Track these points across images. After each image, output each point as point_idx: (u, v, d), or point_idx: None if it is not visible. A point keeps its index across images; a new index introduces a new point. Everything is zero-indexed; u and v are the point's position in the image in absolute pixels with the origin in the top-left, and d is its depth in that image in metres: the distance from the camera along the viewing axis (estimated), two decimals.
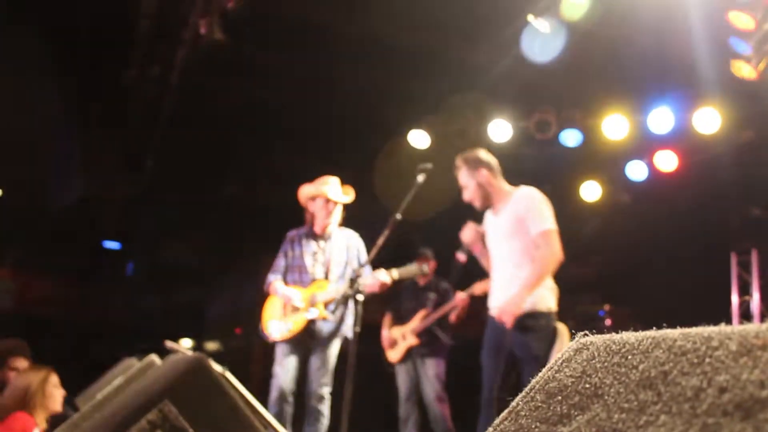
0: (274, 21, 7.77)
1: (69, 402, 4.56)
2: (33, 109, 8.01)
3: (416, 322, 6.28)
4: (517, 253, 3.97)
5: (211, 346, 13.08)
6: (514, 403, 0.76)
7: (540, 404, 0.73)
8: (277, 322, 4.76)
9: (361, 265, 4.71)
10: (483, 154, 4.31)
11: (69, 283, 15.07)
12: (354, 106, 9.64)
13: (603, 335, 0.77)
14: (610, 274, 8.38)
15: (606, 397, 0.66)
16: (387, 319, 6.60)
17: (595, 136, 7.86)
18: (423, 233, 8.46)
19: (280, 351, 4.74)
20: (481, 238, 4.25)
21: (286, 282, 4.90)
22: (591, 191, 8.83)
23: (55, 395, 3.96)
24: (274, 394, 4.62)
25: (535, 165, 8.71)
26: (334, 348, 4.73)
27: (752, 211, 7.40)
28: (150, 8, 6.80)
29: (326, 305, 4.70)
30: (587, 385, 0.70)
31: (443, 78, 8.31)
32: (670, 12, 5.87)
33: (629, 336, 0.74)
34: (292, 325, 4.69)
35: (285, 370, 4.65)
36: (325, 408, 4.61)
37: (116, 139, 9.40)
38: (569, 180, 9.02)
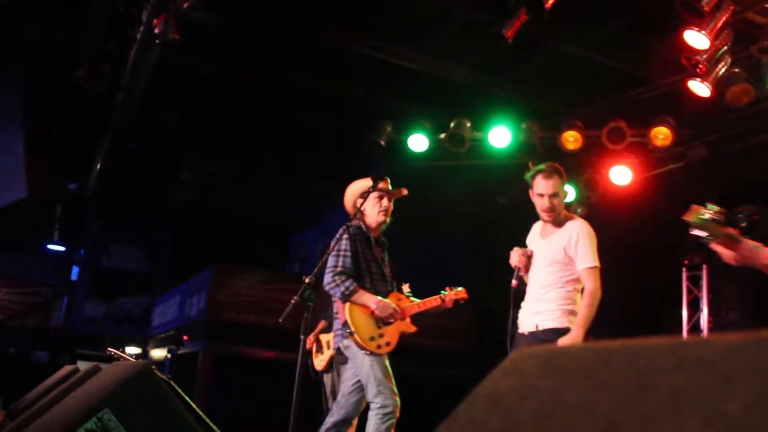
0: (232, 25, 7.76)
1: (5, 409, 4.42)
2: None
3: None
4: (554, 281, 4.06)
5: (157, 354, 12.88)
6: (457, 409, 0.76)
7: (481, 410, 0.74)
8: (374, 335, 4.25)
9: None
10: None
11: (9, 285, 14.70)
12: (309, 112, 9.64)
13: (544, 346, 0.78)
14: None
15: (546, 401, 0.67)
16: (320, 326, 6.54)
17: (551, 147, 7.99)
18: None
19: (383, 364, 4.20)
20: (529, 260, 4.26)
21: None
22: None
23: None
24: (392, 407, 4.11)
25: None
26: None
27: None
28: (101, 5, 6.71)
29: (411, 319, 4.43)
30: (526, 392, 0.71)
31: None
32: None
33: (570, 348, 0.75)
34: (390, 337, 4.28)
35: (392, 384, 4.21)
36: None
37: (63, 139, 9.22)
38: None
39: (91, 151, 10.49)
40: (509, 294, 4.17)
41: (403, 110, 8.56)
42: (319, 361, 6.35)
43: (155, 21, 6.06)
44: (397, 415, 4.13)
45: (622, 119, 7.33)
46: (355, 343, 4.21)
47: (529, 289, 4.19)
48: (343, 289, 4.23)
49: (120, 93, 8.19)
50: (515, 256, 4.23)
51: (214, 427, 2.84)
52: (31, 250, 15.71)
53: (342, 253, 4.29)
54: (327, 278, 4.29)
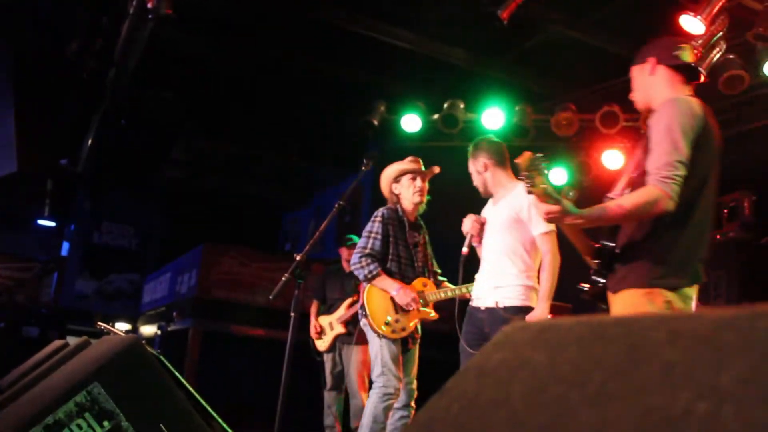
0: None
1: None
2: None
3: (342, 310, 6.28)
4: (509, 246, 3.93)
5: (147, 330, 12.89)
6: (447, 383, 0.76)
7: (471, 383, 0.74)
8: (390, 319, 4.28)
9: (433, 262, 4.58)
10: (486, 142, 4.22)
11: (0, 260, 14.68)
12: (302, 92, 9.60)
13: (537, 321, 0.78)
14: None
15: (539, 374, 0.67)
16: (314, 308, 6.56)
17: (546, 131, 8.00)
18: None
19: (393, 349, 4.23)
20: (482, 228, 4.13)
21: (389, 272, 4.37)
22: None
23: None
24: (399, 403, 4.23)
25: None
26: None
27: None
28: None
29: (435, 306, 4.40)
30: (518, 365, 0.71)
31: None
32: None
33: (563, 322, 0.75)
34: (406, 323, 4.30)
35: (397, 369, 4.23)
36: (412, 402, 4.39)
37: (55, 115, 9.16)
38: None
39: (83, 127, 10.43)
40: (458, 262, 4.09)
41: (396, 91, 8.53)
42: (322, 343, 6.38)
43: None
44: (394, 400, 4.17)
45: (616, 104, 7.32)
46: (369, 326, 4.27)
47: (484, 258, 4.04)
48: (366, 272, 4.30)
49: (112, 69, 8.13)
50: (468, 223, 4.12)
51: (203, 402, 2.85)
52: (21, 226, 15.67)
53: (373, 235, 4.36)
54: (354, 258, 4.38)
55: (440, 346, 10.01)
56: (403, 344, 4.37)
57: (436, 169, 4.64)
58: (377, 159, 4.38)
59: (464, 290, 4.26)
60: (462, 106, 8.05)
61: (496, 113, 7.92)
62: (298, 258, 3.75)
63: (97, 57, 8.05)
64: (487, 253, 4.04)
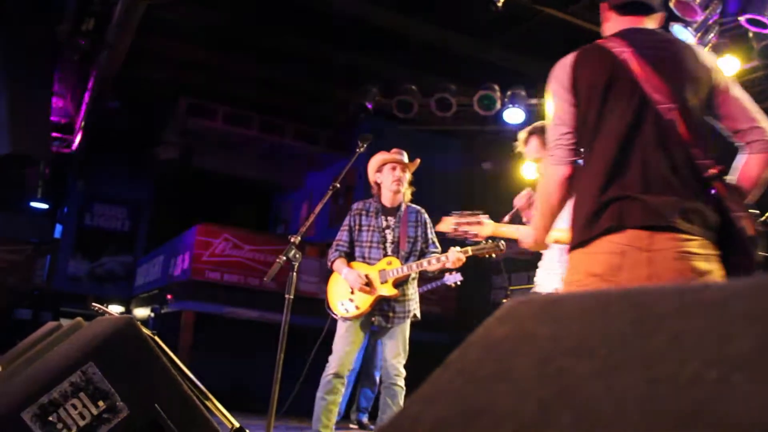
0: None
1: None
2: None
3: None
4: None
5: (141, 313, 12.88)
6: (448, 358, 0.76)
7: (473, 357, 0.74)
8: (345, 300, 4.52)
9: (427, 242, 4.65)
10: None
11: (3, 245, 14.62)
12: (299, 76, 9.56)
13: (541, 295, 0.77)
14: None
15: (543, 347, 0.67)
16: None
17: (539, 115, 7.98)
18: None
19: (343, 328, 4.48)
20: (530, 203, 4.11)
21: (353, 258, 4.62)
22: (530, 170, 8.95)
23: None
24: (330, 371, 4.38)
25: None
26: (406, 325, 4.52)
27: None
28: None
29: (396, 283, 4.48)
30: (522, 339, 0.70)
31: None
32: None
33: (567, 295, 0.74)
34: (360, 303, 4.47)
35: (346, 348, 4.43)
36: (401, 381, 4.43)
37: (47, 96, 9.09)
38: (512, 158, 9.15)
39: (75, 109, 10.37)
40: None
41: (390, 74, 8.51)
42: None
43: None
44: (331, 378, 4.36)
45: None
46: (326, 307, 4.60)
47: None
48: (328, 260, 4.72)
49: (104, 50, 8.07)
50: (520, 199, 4.09)
51: (198, 382, 2.84)
52: (13, 208, 15.59)
53: (342, 228, 4.71)
54: None
55: (431, 331, 10.06)
56: (368, 324, 4.53)
57: (416, 162, 4.77)
58: (371, 141, 4.40)
59: (426, 264, 4.44)
60: (455, 89, 8.04)
61: (490, 97, 7.91)
62: (292, 240, 3.77)
63: (89, 38, 7.99)
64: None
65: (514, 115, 7.99)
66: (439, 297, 9.44)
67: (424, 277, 7.15)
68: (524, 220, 4.15)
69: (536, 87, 8.02)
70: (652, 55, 2.41)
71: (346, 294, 4.56)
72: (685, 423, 0.48)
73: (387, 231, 4.64)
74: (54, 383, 2.39)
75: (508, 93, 7.87)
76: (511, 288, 9.43)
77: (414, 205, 4.78)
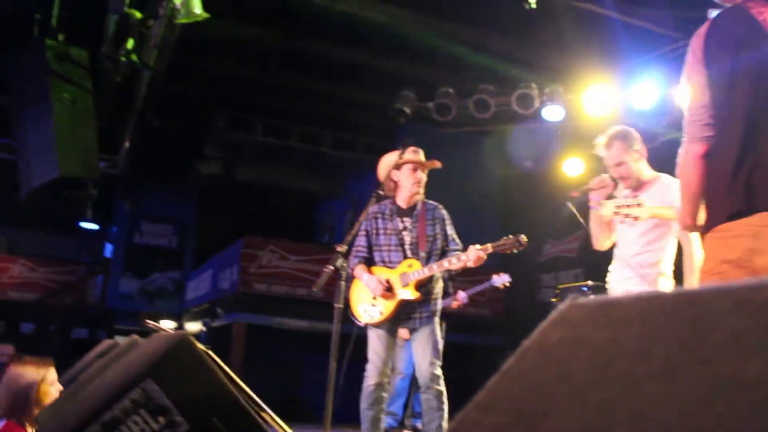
0: None
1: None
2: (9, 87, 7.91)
3: None
4: (646, 239, 3.91)
5: (192, 327, 13.06)
6: (506, 364, 0.76)
7: (531, 363, 0.74)
8: (368, 306, 4.49)
9: (447, 240, 4.57)
10: (634, 132, 4.06)
11: (46, 264, 14.97)
12: (335, 85, 9.62)
13: (593, 297, 0.78)
14: (592, 250, 8.47)
15: (601, 350, 0.67)
16: None
17: (577, 111, 7.91)
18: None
19: (374, 336, 4.45)
20: (606, 194, 4.09)
21: (373, 263, 4.59)
22: (574, 167, 8.89)
23: (51, 393, 3.79)
24: (369, 381, 4.37)
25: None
26: (436, 325, 4.43)
27: None
28: None
29: (419, 285, 4.42)
30: (579, 342, 0.71)
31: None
32: None
33: (621, 298, 0.75)
34: (384, 308, 4.43)
35: (381, 356, 4.40)
36: (442, 385, 4.33)
37: (92, 119, 9.30)
38: (553, 155, 9.10)
39: (119, 130, 10.57)
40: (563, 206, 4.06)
41: (427, 78, 8.51)
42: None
43: None
44: (371, 384, 4.36)
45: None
46: (350, 314, 4.52)
47: (624, 245, 4.03)
48: (348, 266, 4.50)
49: (145, 70, 8.22)
50: (599, 181, 4.04)
51: (253, 394, 2.88)
52: (65, 230, 15.96)
53: (360, 233, 4.60)
54: None
55: (479, 333, 10.00)
56: (396, 327, 4.53)
57: (437, 164, 4.68)
58: (411, 146, 4.41)
59: (446, 264, 4.36)
60: (492, 89, 8.01)
61: (529, 95, 7.87)
62: (338, 249, 3.78)
63: (129, 59, 8.14)
64: (625, 241, 4.02)
65: (552, 112, 7.93)
66: (487, 299, 9.40)
67: (471, 280, 7.12)
68: (590, 203, 4.11)
69: (574, 83, 7.96)
70: None
71: (368, 300, 4.51)
72: (749, 424, 0.49)
73: (404, 233, 4.57)
74: (115, 400, 2.45)
75: (546, 90, 7.82)
76: (560, 286, 9.34)
77: (431, 202, 4.70)
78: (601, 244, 4.22)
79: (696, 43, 2.36)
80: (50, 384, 3.72)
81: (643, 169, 4.03)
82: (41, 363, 3.75)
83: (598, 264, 4.00)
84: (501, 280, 7.16)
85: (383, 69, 8.91)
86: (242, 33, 8.51)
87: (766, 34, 2.16)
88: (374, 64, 8.84)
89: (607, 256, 4.27)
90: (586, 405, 0.65)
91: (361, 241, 4.61)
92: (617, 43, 7.26)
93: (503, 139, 9.05)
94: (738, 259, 2.10)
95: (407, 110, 8.09)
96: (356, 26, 7.96)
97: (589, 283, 7.06)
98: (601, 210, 3.62)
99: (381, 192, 4.16)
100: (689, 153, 2.36)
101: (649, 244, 3.94)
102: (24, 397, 3.61)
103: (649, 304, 0.67)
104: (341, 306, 3.75)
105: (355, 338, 4.38)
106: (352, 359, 4.28)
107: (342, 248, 3.78)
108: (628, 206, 3.37)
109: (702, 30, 2.37)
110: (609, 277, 4.19)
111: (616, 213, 3.40)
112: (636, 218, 3.36)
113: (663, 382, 0.59)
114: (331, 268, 3.72)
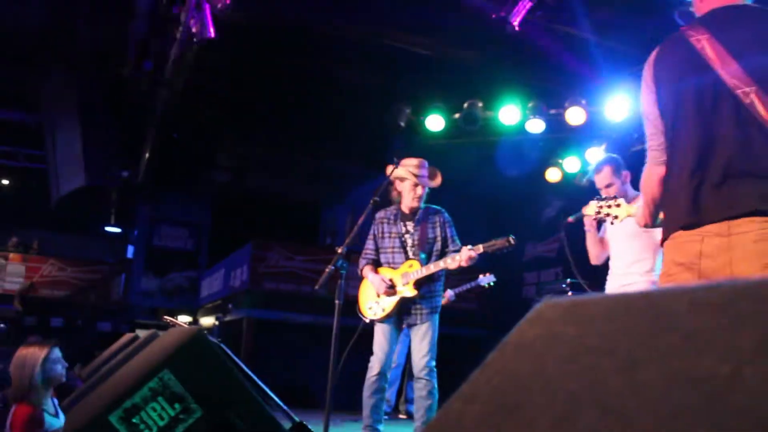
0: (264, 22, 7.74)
1: (71, 371, 4.48)
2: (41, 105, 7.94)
3: None
4: (637, 250, 4.06)
5: (206, 321, 13.05)
6: (487, 358, 0.77)
7: (511, 357, 0.75)
8: (372, 303, 4.57)
9: (447, 242, 4.60)
10: (620, 159, 4.33)
11: (74, 264, 14.99)
12: (333, 98, 9.63)
13: (566, 297, 0.78)
14: (570, 250, 8.49)
15: (570, 346, 0.68)
16: None
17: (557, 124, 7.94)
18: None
19: (379, 330, 4.51)
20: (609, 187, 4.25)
21: (380, 264, 4.66)
22: (554, 175, 8.93)
23: (57, 370, 3.81)
24: (373, 372, 4.39)
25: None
26: (433, 322, 4.46)
27: None
28: (144, 9, 6.73)
29: (417, 283, 4.45)
30: (552, 339, 0.71)
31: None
32: None
33: (591, 297, 0.75)
34: (386, 305, 4.49)
35: (384, 349, 4.44)
36: (433, 378, 4.33)
37: (115, 132, 9.31)
38: (535, 164, 9.13)
39: (139, 142, 10.58)
40: (563, 225, 4.13)
41: (420, 94, 8.52)
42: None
43: (192, 21, 6.07)
44: (372, 375, 4.38)
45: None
46: (358, 311, 4.63)
47: (617, 257, 4.20)
48: (358, 267, 4.75)
49: (163, 88, 8.23)
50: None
51: (263, 385, 2.88)
52: (90, 233, 15.99)
53: (369, 237, 4.76)
54: None
55: (473, 324, 10.00)
56: (400, 322, 4.55)
57: (438, 181, 4.75)
58: (404, 156, 4.44)
59: (442, 264, 4.38)
60: (480, 104, 8.02)
61: (512, 110, 7.89)
62: (339, 251, 3.80)
63: (148, 78, 8.16)
64: (617, 254, 4.19)
65: (535, 125, 7.95)
66: (476, 295, 9.42)
67: (461, 278, 7.13)
68: (585, 227, 4.28)
69: (556, 99, 7.98)
70: (732, 38, 2.19)
71: (373, 297, 4.58)
72: (699, 416, 0.49)
73: (407, 236, 4.62)
74: (135, 389, 2.45)
75: (530, 105, 7.83)
76: (541, 283, 9.34)
77: (434, 206, 4.73)
78: (597, 260, 4.41)
79: (646, 71, 2.39)
80: (54, 362, 3.73)
81: (628, 189, 4.26)
82: (43, 344, 3.78)
83: (576, 263, 4.04)
84: (486, 279, 7.17)
85: (381, 86, 8.91)
86: (251, 56, 8.51)
87: (705, 62, 2.18)
88: (373, 82, 8.85)
89: (584, 257, 4.34)
90: (558, 397, 0.65)
91: (369, 244, 4.72)
92: (592, 62, 7.29)
93: (490, 149, 9.05)
94: (688, 261, 2.15)
95: (401, 123, 8.10)
96: (355, 47, 7.97)
97: (568, 281, 7.08)
98: (586, 210, 3.68)
99: (377, 199, 4.17)
100: (651, 175, 2.42)
101: (640, 253, 4.08)
102: (29, 377, 3.63)
103: (613, 304, 0.68)
104: (341, 302, 3.76)
105: (359, 332, 4.40)
106: (354, 351, 4.29)
107: (341, 250, 3.78)
108: (608, 206, 3.43)
109: (651, 58, 2.39)
110: (607, 287, 4.31)
111: (598, 212, 3.45)
112: (616, 217, 3.41)
113: (625, 375, 0.60)
114: (332, 267, 3.73)
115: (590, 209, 3.57)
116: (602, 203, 3.45)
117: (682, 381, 0.53)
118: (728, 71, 2.13)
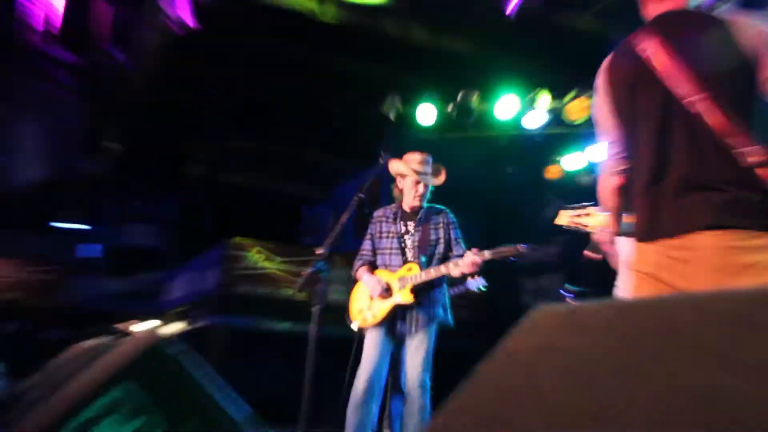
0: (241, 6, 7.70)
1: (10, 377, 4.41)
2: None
3: None
4: None
5: (174, 327, 12.98)
6: (477, 369, 0.75)
7: (500, 369, 0.73)
8: (363, 307, 4.44)
9: (450, 245, 4.52)
10: None
11: (25, 263, 14.85)
12: (320, 89, 9.60)
13: (563, 304, 0.77)
14: (571, 255, 8.52)
15: (568, 357, 0.66)
16: None
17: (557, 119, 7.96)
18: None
19: (368, 340, 4.34)
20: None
21: (376, 266, 4.56)
22: (554, 172, 8.96)
23: None
24: (359, 386, 4.19)
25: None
26: (432, 333, 4.30)
27: None
28: None
29: (415, 289, 4.33)
30: (547, 349, 0.70)
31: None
32: None
33: (590, 305, 0.74)
34: (377, 311, 4.37)
35: (374, 360, 4.24)
36: (426, 397, 4.15)
37: (77, 120, 9.23)
38: (534, 161, 9.14)
39: (104, 132, 10.51)
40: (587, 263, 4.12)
41: (411, 84, 8.52)
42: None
43: (169, 7, 6.03)
44: (359, 388, 4.20)
45: None
46: (347, 317, 4.57)
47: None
48: (353, 270, 4.67)
49: (132, 73, 8.18)
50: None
51: (228, 392, 2.86)
52: (46, 229, 15.82)
53: (365, 236, 4.70)
54: None
55: (460, 336, 10.00)
56: (392, 332, 4.42)
57: (442, 178, 4.71)
58: (392, 151, 4.41)
59: (444, 270, 4.28)
60: (475, 96, 8.03)
61: (509, 103, 7.90)
62: (317, 252, 3.76)
63: (116, 62, 8.09)
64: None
65: (533, 119, 7.97)
66: (468, 302, 9.40)
67: (450, 282, 7.09)
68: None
69: (555, 91, 8.00)
70: (681, 44, 2.24)
71: (365, 301, 4.47)
72: (703, 427, 0.48)
73: (406, 237, 4.54)
74: (89, 402, 2.42)
75: (528, 98, 7.85)
76: (540, 290, 9.36)
77: (437, 206, 4.67)
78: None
79: (599, 80, 2.47)
80: None
81: None
82: None
83: (577, 269, 4.04)
84: (476, 283, 7.07)
85: (369, 75, 8.90)
86: (231, 42, 8.47)
87: (652, 73, 2.25)
88: (361, 71, 8.83)
89: (586, 263, 4.32)
90: (552, 412, 0.63)
91: (366, 244, 4.67)
92: (594, 55, 7.29)
93: (486, 145, 9.07)
94: (650, 271, 2.23)
95: (392, 116, 8.10)
96: (343, 35, 7.95)
97: (569, 287, 7.09)
98: (557, 221, 3.68)
99: (362, 196, 4.12)
100: (606, 187, 2.50)
101: None
102: None
103: (614, 312, 0.67)
104: (321, 307, 3.71)
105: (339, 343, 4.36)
106: (343, 362, 4.23)
107: (321, 251, 3.75)
108: (578, 215, 3.44)
109: (603, 66, 2.47)
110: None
111: (570, 223, 3.46)
112: (586, 227, 3.42)
113: (627, 389, 0.58)
114: (311, 270, 3.69)
115: (562, 219, 3.57)
116: (572, 213, 3.46)
117: (686, 395, 0.52)
118: (677, 80, 2.20)
